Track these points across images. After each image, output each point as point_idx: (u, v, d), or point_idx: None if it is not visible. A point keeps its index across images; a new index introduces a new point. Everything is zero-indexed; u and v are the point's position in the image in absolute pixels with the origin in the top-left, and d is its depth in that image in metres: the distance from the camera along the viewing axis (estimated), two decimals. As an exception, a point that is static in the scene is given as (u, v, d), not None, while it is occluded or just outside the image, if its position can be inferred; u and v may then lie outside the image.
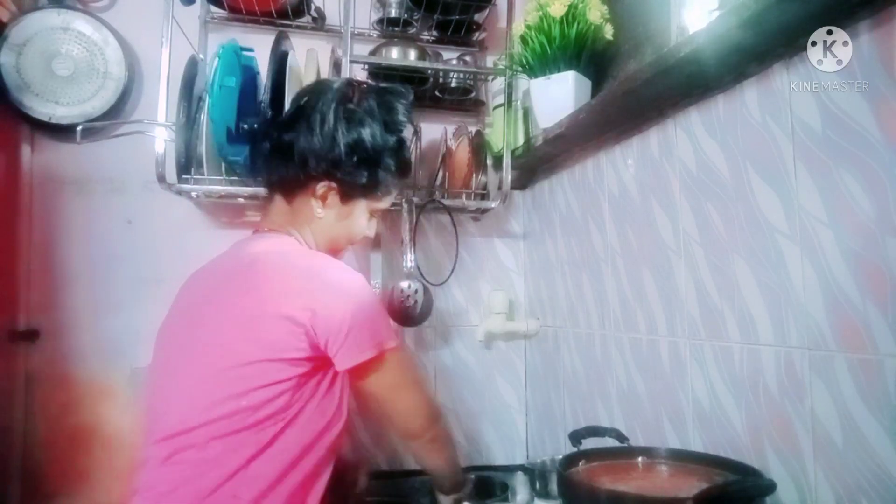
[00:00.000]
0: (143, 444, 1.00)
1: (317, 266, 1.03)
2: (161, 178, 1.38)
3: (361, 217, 1.15)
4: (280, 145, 1.10)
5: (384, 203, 1.18)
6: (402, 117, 1.15)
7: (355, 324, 0.97)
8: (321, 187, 1.09)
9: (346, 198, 1.11)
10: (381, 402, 1.08)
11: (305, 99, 1.12)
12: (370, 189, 1.12)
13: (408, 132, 1.18)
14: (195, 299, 1.08)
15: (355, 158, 1.08)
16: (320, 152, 1.07)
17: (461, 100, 1.74)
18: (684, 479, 0.88)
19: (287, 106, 1.30)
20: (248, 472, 0.93)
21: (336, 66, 1.55)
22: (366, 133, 1.09)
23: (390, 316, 1.55)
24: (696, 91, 1.00)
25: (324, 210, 1.11)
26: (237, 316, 0.98)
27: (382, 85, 1.23)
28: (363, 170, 1.10)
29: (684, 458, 0.93)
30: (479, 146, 1.64)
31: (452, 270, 1.60)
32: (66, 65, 1.48)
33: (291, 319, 0.95)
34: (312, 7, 1.61)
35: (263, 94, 1.37)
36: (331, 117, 1.08)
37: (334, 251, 1.16)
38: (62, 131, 1.48)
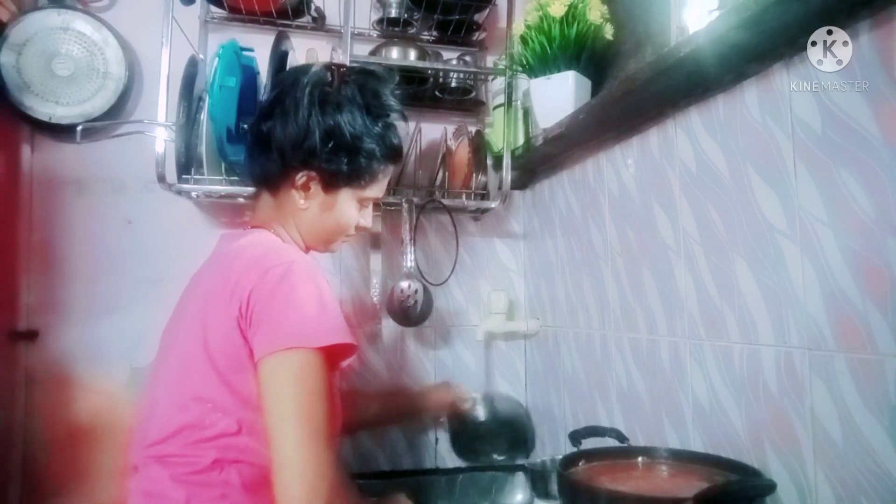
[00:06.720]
0: (133, 449, 0.99)
1: (263, 259, 0.96)
2: (161, 178, 1.38)
3: (349, 207, 1.09)
4: (259, 136, 1.06)
5: (373, 191, 1.10)
6: (388, 101, 1.09)
7: (276, 311, 0.90)
8: (301, 177, 1.04)
9: (328, 187, 1.06)
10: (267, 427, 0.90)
11: (282, 86, 1.07)
12: (353, 177, 1.06)
13: (397, 116, 1.10)
14: (182, 302, 1.08)
15: (331, 145, 1.03)
16: (296, 140, 1.02)
17: (461, 100, 1.73)
18: (684, 479, 0.88)
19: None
20: (234, 470, 0.92)
21: (336, 66, 1.55)
22: (343, 119, 1.03)
23: (391, 316, 1.56)
24: (696, 91, 1.00)
25: (306, 201, 1.06)
26: (198, 316, 0.97)
27: (365, 68, 1.16)
28: (342, 157, 1.04)
29: (684, 458, 0.93)
30: (479, 146, 1.64)
31: (452, 270, 1.60)
32: (66, 65, 1.48)
33: (229, 315, 0.92)
34: (312, 7, 1.61)
35: (263, 94, 1.37)
36: (305, 103, 1.02)
37: (326, 243, 1.13)
38: (62, 131, 1.48)
